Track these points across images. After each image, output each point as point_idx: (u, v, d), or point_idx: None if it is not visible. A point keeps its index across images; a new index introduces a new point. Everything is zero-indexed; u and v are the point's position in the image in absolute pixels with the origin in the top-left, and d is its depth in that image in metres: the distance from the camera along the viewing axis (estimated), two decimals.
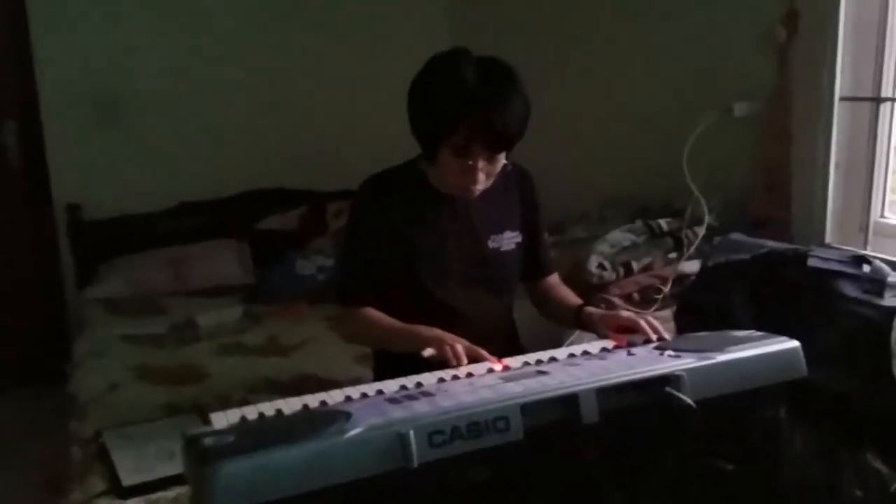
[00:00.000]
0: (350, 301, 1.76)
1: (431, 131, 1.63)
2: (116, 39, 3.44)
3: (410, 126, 1.69)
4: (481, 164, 1.62)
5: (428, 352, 1.50)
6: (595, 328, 1.69)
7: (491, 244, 1.79)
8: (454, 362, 1.46)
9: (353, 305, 1.75)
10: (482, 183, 1.66)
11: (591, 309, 1.76)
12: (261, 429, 1.18)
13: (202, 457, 1.01)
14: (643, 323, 1.58)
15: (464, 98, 1.56)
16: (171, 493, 1.70)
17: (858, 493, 1.45)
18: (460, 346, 1.49)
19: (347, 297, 1.77)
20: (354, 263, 1.77)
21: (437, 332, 1.56)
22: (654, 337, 1.54)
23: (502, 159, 1.66)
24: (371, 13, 3.75)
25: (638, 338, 1.55)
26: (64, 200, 3.44)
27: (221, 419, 1.25)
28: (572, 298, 1.87)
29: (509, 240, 1.81)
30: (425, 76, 1.65)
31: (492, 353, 1.52)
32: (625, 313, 1.66)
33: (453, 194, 1.74)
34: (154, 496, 1.71)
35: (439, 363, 1.47)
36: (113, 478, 1.78)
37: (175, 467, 1.72)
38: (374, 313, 1.73)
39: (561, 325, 1.88)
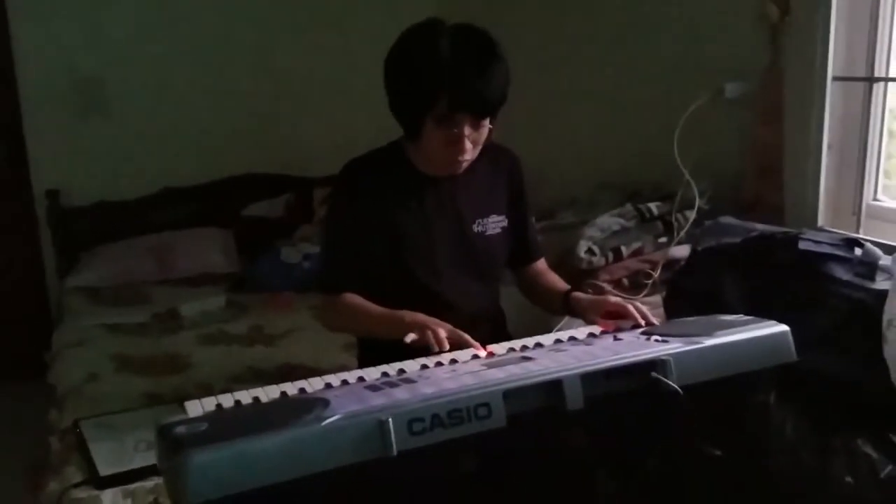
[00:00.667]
0: (332, 289, 1.73)
1: (413, 105, 1.60)
2: (97, 24, 3.39)
3: (390, 104, 1.66)
4: (467, 131, 1.60)
5: (410, 337, 1.47)
6: (583, 314, 1.67)
7: (476, 228, 1.77)
8: (436, 348, 1.43)
9: (335, 293, 1.72)
10: (469, 153, 1.63)
11: (578, 294, 1.73)
12: (236, 417, 1.15)
13: (174, 446, 0.98)
14: (631, 308, 1.55)
15: (443, 66, 1.54)
16: (149, 483, 1.68)
17: (849, 478, 1.43)
18: (443, 330, 1.47)
19: (329, 284, 1.74)
20: (336, 250, 1.75)
21: (421, 317, 1.53)
22: (642, 322, 1.51)
23: (486, 127, 1.64)
24: None
25: (626, 323, 1.53)
26: (44, 187, 3.40)
27: (196, 407, 1.22)
28: (560, 284, 1.85)
29: (495, 224, 1.79)
30: (400, 50, 1.62)
31: (478, 340, 1.49)
32: (613, 299, 1.63)
33: (439, 172, 1.71)
34: (131, 486, 1.68)
35: (423, 349, 1.44)
36: (90, 468, 1.75)
37: (153, 457, 1.67)
38: (356, 300, 1.70)
39: (549, 312, 1.86)
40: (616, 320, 1.56)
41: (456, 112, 1.56)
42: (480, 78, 1.55)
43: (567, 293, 1.76)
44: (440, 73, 1.55)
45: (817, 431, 1.49)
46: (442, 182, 1.74)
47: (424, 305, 1.73)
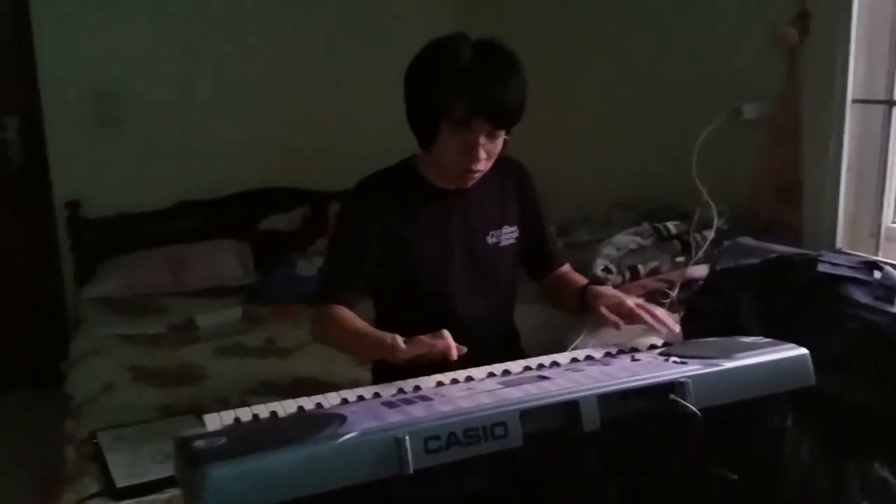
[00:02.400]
0: (323, 300, 1.70)
1: (431, 109, 1.61)
2: (118, 38, 3.42)
3: (407, 111, 1.67)
4: (482, 140, 1.61)
5: (399, 341, 1.44)
6: (594, 303, 1.67)
7: (490, 240, 1.78)
8: (438, 349, 1.40)
9: (326, 304, 1.69)
10: (483, 163, 1.64)
11: (594, 287, 1.73)
12: (254, 431, 1.16)
13: (192, 459, 0.99)
14: (643, 314, 1.56)
15: (463, 71, 1.56)
16: (165, 495, 1.68)
17: (864, 503, 1.41)
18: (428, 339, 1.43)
19: (321, 296, 1.72)
20: (335, 264, 1.74)
21: (400, 338, 1.47)
22: (657, 327, 1.51)
23: (501, 139, 1.65)
24: (374, 12, 3.73)
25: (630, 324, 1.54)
26: (64, 198, 3.43)
27: (215, 421, 1.23)
28: (580, 280, 1.85)
29: (508, 235, 1.79)
30: (422, 58, 1.65)
31: (490, 355, 1.49)
32: (631, 300, 1.62)
33: (451, 183, 1.71)
34: (147, 498, 1.68)
35: (432, 365, 1.43)
36: (106, 479, 1.76)
37: (170, 469, 1.69)
38: (345, 314, 1.67)
39: (566, 310, 1.84)
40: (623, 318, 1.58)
41: (473, 117, 1.57)
42: (500, 86, 1.56)
43: (585, 286, 1.76)
44: (460, 77, 1.56)
45: (833, 455, 1.47)
46: (454, 195, 1.74)
47: (438, 319, 1.73)
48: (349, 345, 1.69)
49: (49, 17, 3.33)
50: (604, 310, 1.63)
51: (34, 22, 3.32)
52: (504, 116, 1.60)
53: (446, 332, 1.44)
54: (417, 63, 1.65)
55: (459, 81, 1.56)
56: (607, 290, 1.72)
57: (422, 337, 1.44)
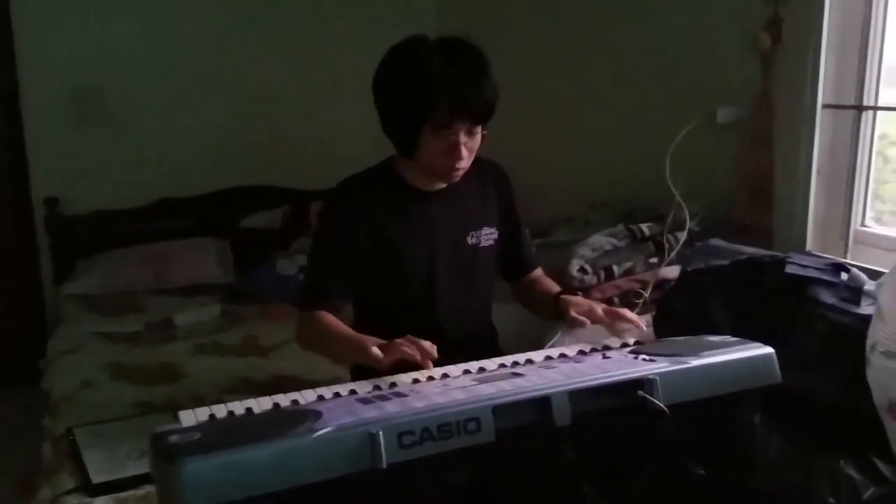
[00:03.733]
0: (308, 304, 1.72)
1: (410, 116, 1.63)
2: (99, 34, 3.42)
3: (382, 122, 1.69)
4: (463, 138, 1.63)
5: (376, 351, 1.46)
6: (565, 311, 1.70)
7: (470, 240, 1.80)
8: (418, 356, 1.42)
9: (310, 308, 1.71)
10: (466, 160, 1.66)
11: (567, 296, 1.77)
12: (229, 427, 1.17)
13: (167, 454, 1.00)
14: (606, 319, 1.61)
15: (439, 77, 1.58)
16: (141, 491, 1.69)
17: (831, 499, 1.44)
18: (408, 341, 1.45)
19: (306, 300, 1.74)
20: (319, 267, 1.76)
21: (381, 341, 1.50)
22: (624, 327, 1.57)
23: (479, 134, 1.67)
24: (356, 11, 3.74)
25: (623, 326, 1.58)
26: (43, 194, 3.41)
27: (190, 417, 1.24)
28: (554, 288, 1.87)
29: (487, 236, 1.82)
30: (390, 67, 1.66)
31: (468, 353, 1.51)
32: (601, 308, 1.67)
33: (437, 182, 1.74)
34: (123, 494, 1.69)
35: (409, 365, 1.45)
36: (83, 475, 1.76)
37: (145, 466, 1.68)
38: (329, 319, 1.69)
39: (541, 317, 1.88)
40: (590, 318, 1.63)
41: (453, 118, 1.60)
42: (476, 85, 1.60)
43: (558, 294, 1.80)
44: (437, 83, 1.58)
45: (801, 452, 1.50)
46: (434, 196, 1.76)
47: (418, 318, 1.76)
48: (331, 350, 1.70)
49: (29, 13, 3.31)
50: (573, 314, 1.66)
51: (14, 17, 3.30)
52: (483, 113, 1.63)
53: (427, 343, 1.44)
54: (386, 73, 1.66)
55: (436, 86, 1.58)
56: (579, 299, 1.76)
57: (399, 341, 1.45)
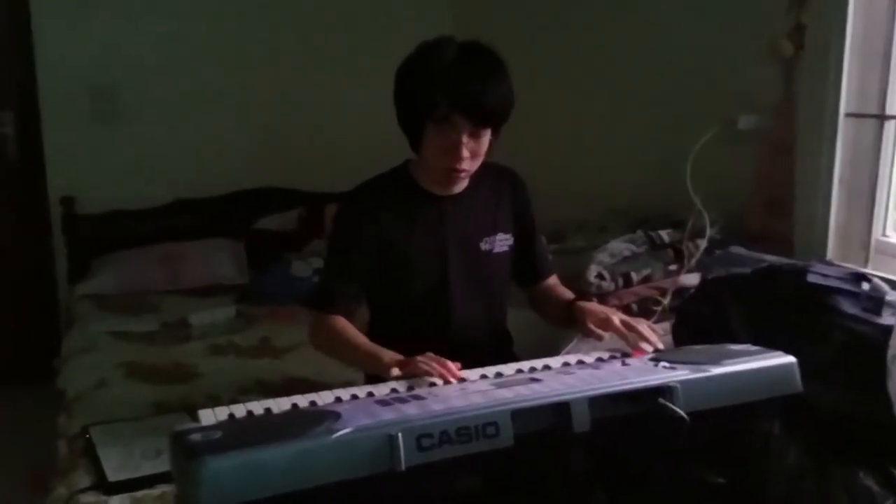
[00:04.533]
0: (322, 307, 1.73)
1: (415, 108, 1.64)
2: (116, 34, 3.43)
3: (397, 114, 1.70)
4: (465, 139, 1.62)
5: (394, 372, 1.45)
6: (582, 320, 1.68)
7: (483, 246, 1.79)
8: (435, 374, 1.40)
9: (325, 312, 1.72)
10: (467, 162, 1.65)
11: (582, 303, 1.75)
12: (249, 426, 1.17)
13: (189, 452, 1.00)
14: (628, 333, 1.57)
15: (444, 69, 1.59)
16: (157, 490, 1.68)
17: None
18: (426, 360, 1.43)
19: (320, 302, 1.75)
20: (334, 270, 1.76)
21: (399, 356, 1.50)
22: (641, 346, 1.53)
23: (486, 138, 1.66)
24: (374, 14, 3.74)
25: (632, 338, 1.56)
26: (59, 193, 3.43)
27: (209, 416, 1.24)
28: (568, 295, 1.86)
29: (502, 242, 1.81)
30: (409, 60, 1.67)
31: (483, 359, 1.50)
32: (617, 318, 1.64)
33: (441, 184, 1.73)
34: (139, 494, 1.69)
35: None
36: (98, 474, 1.76)
37: (161, 465, 1.71)
38: (344, 325, 1.70)
39: (555, 324, 1.87)
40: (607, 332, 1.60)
41: (454, 114, 1.59)
42: (480, 83, 1.59)
43: (572, 301, 1.78)
44: (441, 75, 1.59)
45: (819, 462, 1.50)
46: (449, 200, 1.76)
47: (432, 324, 1.76)
48: (345, 357, 1.71)
49: (48, 12, 3.33)
50: (591, 326, 1.65)
51: (33, 16, 3.33)
52: (484, 114, 1.61)
53: (450, 363, 1.42)
54: (405, 65, 1.68)
55: (441, 79, 1.59)
56: (594, 306, 1.74)
57: (420, 359, 1.43)
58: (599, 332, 1.62)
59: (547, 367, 1.43)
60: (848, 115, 2.05)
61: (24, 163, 3.45)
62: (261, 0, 3.63)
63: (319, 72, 3.71)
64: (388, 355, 1.52)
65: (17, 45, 3.34)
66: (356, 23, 3.74)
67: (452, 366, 1.42)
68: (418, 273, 1.75)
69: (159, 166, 3.54)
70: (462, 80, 1.58)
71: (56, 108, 3.40)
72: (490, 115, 1.63)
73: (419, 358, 1.44)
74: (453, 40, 1.65)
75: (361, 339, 1.66)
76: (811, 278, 1.64)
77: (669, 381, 1.22)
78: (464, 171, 1.67)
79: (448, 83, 1.58)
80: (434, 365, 1.40)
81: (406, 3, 3.78)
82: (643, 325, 1.59)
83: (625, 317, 1.63)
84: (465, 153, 1.63)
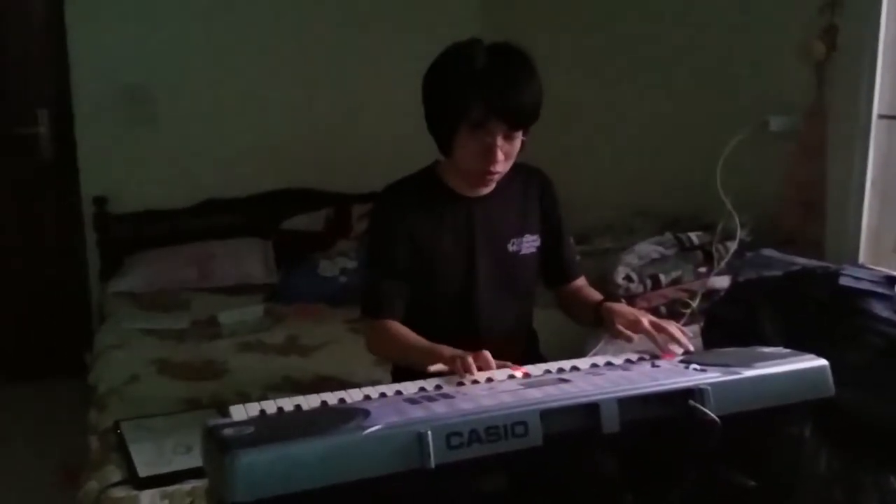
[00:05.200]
0: (374, 313, 1.74)
1: (448, 113, 1.64)
2: (150, 35, 3.48)
3: (426, 116, 1.70)
4: (499, 141, 1.62)
5: (436, 367, 1.45)
6: (610, 321, 1.67)
7: (511, 247, 1.79)
8: (462, 374, 1.41)
9: (377, 317, 1.73)
10: (501, 164, 1.65)
11: (610, 304, 1.74)
12: (280, 422, 1.18)
13: (221, 446, 1.01)
14: (658, 335, 1.56)
15: (479, 74, 1.59)
16: (187, 486, 1.70)
17: None
18: (471, 359, 1.44)
19: (372, 308, 1.75)
20: (380, 274, 1.75)
21: (459, 351, 1.49)
22: (672, 348, 1.52)
23: (519, 140, 1.66)
24: (403, 17, 3.76)
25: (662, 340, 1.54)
26: (92, 192, 3.48)
27: (241, 412, 1.25)
28: (595, 296, 1.85)
29: (529, 243, 1.81)
30: (438, 64, 1.68)
31: (510, 359, 1.50)
32: (646, 319, 1.62)
33: (471, 186, 1.73)
34: (170, 489, 1.70)
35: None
36: (129, 468, 1.78)
37: (192, 461, 1.73)
38: (399, 328, 1.71)
39: (582, 324, 1.86)
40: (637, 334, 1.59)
41: (490, 118, 1.59)
42: (514, 87, 1.59)
43: (600, 302, 1.77)
44: (476, 80, 1.59)
45: (849, 467, 1.48)
46: (477, 202, 1.76)
47: (460, 324, 1.76)
48: (406, 360, 1.70)
49: (83, 12, 3.39)
50: (620, 327, 1.63)
51: (68, 16, 3.38)
52: (520, 117, 1.62)
53: (471, 360, 1.43)
54: (434, 69, 1.68)
55: (475, 84, 1.59)
56: (623, 307, 1.72)
57: (468, 361, 1.43)
58: (629, 333, 1.61)
59: (575, 368, 1.43)
60: (881, 116, 2.03)
61: (59, 162, 3.50)
62: (290, 2, 3.65)
63: (346, 73, 3.73)
64: (448, 351, 1.51)
65: (53, 45, 3.40)
66: (382, 24, 3.75)
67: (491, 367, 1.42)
68: (446, 274, 1.76)
69: (190, 167, 3.57)
70: (496, 84, 1.58)
71: (90, 108, 3.45)
72: (525, 118, 1.63)
73: (461, 357, 1.44)
74: (481, 43, 1.65)
75: (417, 339, 1.67)
76: (843, 281, 1.62)
77: (700, 384, 1.21)
78: (497, 173, 1.67)
79: (482, 88, 1.58)
80: (472, 369, 1.41)
81: (436, 4, 3.79)
82: (673, 327, 1.57)
83: (654, 318, 1.63)
84: (500, 156, 1.64)
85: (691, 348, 1.54)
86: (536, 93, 1.63)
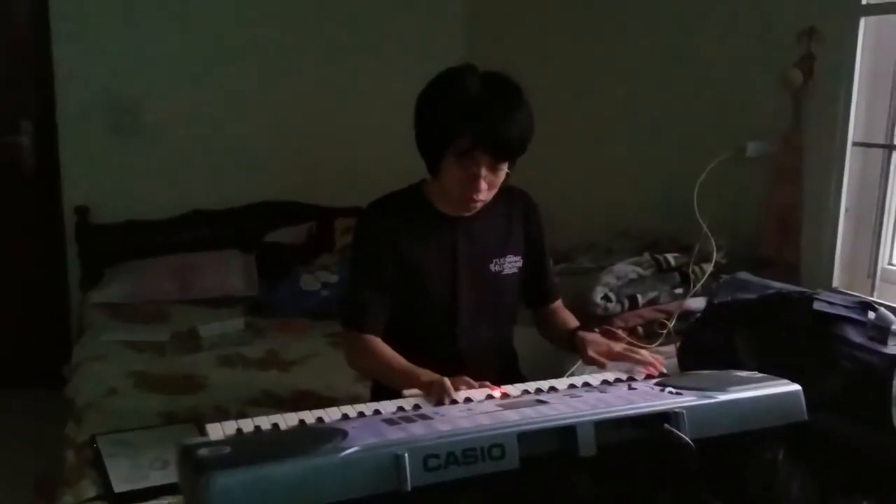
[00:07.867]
0: (359, 326, 1.75)
1: (436, 138, 1.65)
2: (134, 46, 3.47)
3: (416, 137, 1.71)
4: (484, 172, 1.64)
5: (411, 391, 1.47)
6: (583, 349, 1.72)
7: (493, 267, 1.80)
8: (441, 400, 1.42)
9: (358, 332, 1.74)
10: (484, 193, 1.67)
11: (584, 332, 1.78)
12: (257, 442, 1.19)
13: (197, 467, 1.01)
14: (637, 356, 1.60)
15: (469, 102, 1.60)
16: (163, 502, 1.68)
17: None
18: (449, 384, 1.45)
19: (353, 322, 1.76)
20: (363, 289, 1.76)
21: (437, 376, 1.51)
22: (643, 370, 1.55)
23: (504, 171, 1.68)
24: (387, 31, 3.78)
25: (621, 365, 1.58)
26: (73, 202, 3.46)
27: (217, 430, 1.25)
28: (572, 322, 1.89)
29: (511, 264, 1.82)
30: (431, 87, 1.68)
31: (489, 378, 1.52)
32: (618, 346, 1.67)
33: (454, 210, 1.75)
34: None
35: None
36: (105, 484, 1.76)
37: (169, 476, 1.71)
38: (380, 346, 1.72)
39: (557, 348, 1.89)
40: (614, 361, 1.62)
41: (476, 149, 1.60)
42: (503, 120, 1.59)
43: (575, 330, 1.81)
44: (464, 109, 1.60)
45: (823, 492, 1.50)
46: (461, 221, 1.78)
47: (441, 341, 1.77)
48: (384, 379, 1.71)
49: (67, 24, 3.38)
50: (592, 354, 1.69)
51: (52, 28, 3.37)
52: (506, 150, 1.63)
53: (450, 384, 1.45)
54: (427, 92, 1.69)
55: (463, 114, 1.60)
56: (596, 336, 1.77)
57: (446, 387, 1.44)
58: (602, 359, 1.65)
59: (553, 389, 1.45)
60: (856, 144, 2.07)
61: (41, 171, 3.48)
62: (277, 15, 3.66)
63: (334, 90, 3.74)
64: (426, 375, 1.53)
65: (37, 55, 3.38)
66: (373, 42, 3.77)
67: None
68: (428, 291, 1.77)
69: (172, 178, 3.56)
70: (485, 116, 1.59)
71: (72, 118, 3.43)
72: (512, 151, 1.64)
73: (449, 383, 1.45)
74: (475, 70, 1.66)
75: (398, 360, 1.68)
76: (818, 306, 1.64)
77: (675, 407, 1.23)
78: (480, 201, 1.69)
79: (471, 118, 1.59)
80: (450, 393, 1.42)
81: (421, 24, 3.81)
82: (644, 352, 1.62)
83: (627, 346, 1.66)
84: (484, 185, 1.65)
85: (664, 370, 1.57)
86: (525, 127, 1.63)
